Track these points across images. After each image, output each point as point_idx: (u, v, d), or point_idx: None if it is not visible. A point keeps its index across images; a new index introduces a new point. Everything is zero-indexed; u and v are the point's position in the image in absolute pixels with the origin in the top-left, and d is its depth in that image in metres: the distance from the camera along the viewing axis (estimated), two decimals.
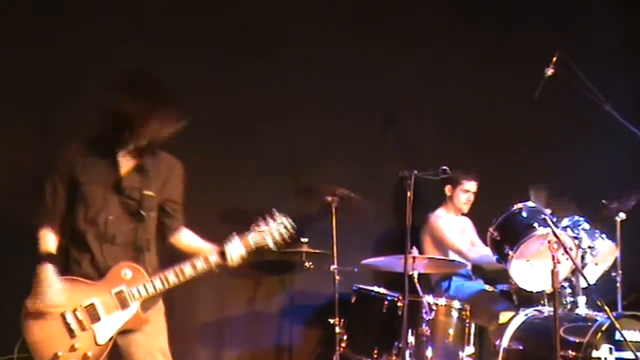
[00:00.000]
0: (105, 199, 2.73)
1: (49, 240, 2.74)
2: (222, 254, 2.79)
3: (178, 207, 2.90)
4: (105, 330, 2.67)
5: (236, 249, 2.79)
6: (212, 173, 4.07)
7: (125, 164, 2.78)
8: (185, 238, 2.93)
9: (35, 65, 3.74)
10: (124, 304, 2.69)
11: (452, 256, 4.31)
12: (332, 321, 3.79)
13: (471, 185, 4.45)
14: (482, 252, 4.14)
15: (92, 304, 2.67)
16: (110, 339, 2.68)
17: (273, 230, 2.86)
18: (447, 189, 4.48)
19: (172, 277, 2.74)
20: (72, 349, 2.64)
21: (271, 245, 2.86)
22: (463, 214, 4.53)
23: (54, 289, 2.63)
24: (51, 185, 2.77)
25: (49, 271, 2.66)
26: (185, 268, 2.75)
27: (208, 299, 4.15)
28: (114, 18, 3.92)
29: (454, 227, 4.45)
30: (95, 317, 2.66)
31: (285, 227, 2.88)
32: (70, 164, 2.75)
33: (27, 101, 3.73)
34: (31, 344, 2.65)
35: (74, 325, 2.65)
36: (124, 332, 2.73)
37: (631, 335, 3.46)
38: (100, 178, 2.74)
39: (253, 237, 2.84)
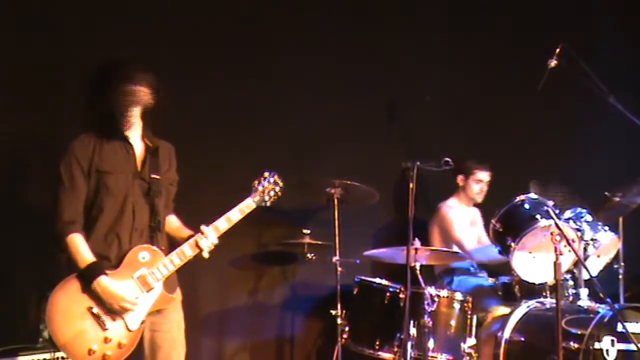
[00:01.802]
0: (129, 185, 2.73)
1: (85, 249, 2.64)
2: (197, 246, 2.77)
3: (174, 190, 2.92)
4: (134, 315, 2.67)
5: (209, 243, 2.77)
6: (213, 165, 4.07)
7: (138, 148, 2.80)
8: (169, 225, 2.93)
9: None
10: (148, 286, 2.69)
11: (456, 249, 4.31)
12: (334, 312, 3.79)
13: (484, 175, 4.43)
14: (487, 253, 4.10)
15: (120, 295, 2.64)
16: (142, 323, 2.69)
17: (269, 189, 2.90)
18: (460, 179, 4.46)
19: (188, 250, 2.75)
20: (106, 340, 2.63)
21: (268, 203, 2.91)
22: (475, 205, 4.51)
23: (131, 293, 2.63)
24: (70, 181, 2.67)
25: (111, 284, 2.61)
26: (199, 241, 2.75)
27: (210, 290, 4.16)
28: (112, 12, 3.91)
29: (464, 220, 4.42)
30: (123, 309, 2.65)
31: (277, 184, 2.94)
32: (88, 156, 2.69)
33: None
34: (63, 345, 2.60)
35: (103, 317, 2.64)
36: (150, 325, 2.74)
37: (633, 327, 3.46)
38: (122, 166, 2.73)
39: (254, 198, 2.87)
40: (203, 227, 2.78)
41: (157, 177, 2.77)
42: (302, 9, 4.44)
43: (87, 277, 2.62)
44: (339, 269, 3.87)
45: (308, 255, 4.05)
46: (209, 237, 2.76)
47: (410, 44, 4.75)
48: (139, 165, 2.77)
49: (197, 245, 2.75)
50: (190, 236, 2.81)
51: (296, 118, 4.38)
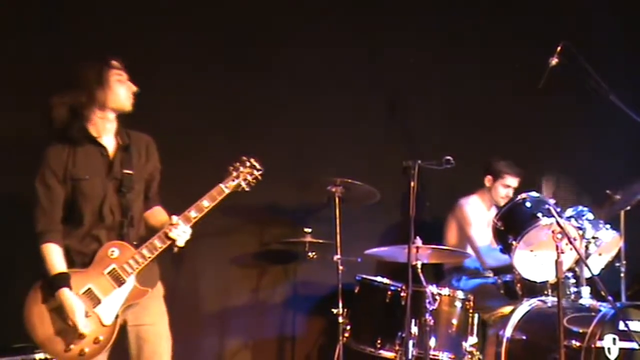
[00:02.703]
0: (105, 187, 2.77)
1: (58, 258, 2.70)
2: (167, 237, 2.76)
3: (154, 185, 2.93)
4: (108, 310, 2.71)
5: (179, 231, 2.75)
6: (212, 162, 4.05)
7: (110, 147, 2.82)
8: (153, 217, 2.93)
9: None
10: (119, 281, 2.72)
11: (469, 249, 4.29)
12: (335, 311, 3.79)
13: (513, 181, 4.35)
14: (495, 256, 4.04)
15: (89, 289, 2.70)
16: (116, 317, 2.72)
17: (245, 174, 2.88)
18: (488, 179, 4.41)
19: (158, 242, 2.75)
20: (81, 337, 2.68)
21: (246, 188, 2.89)
22: (496, 206, 4.42)
23: (82, 313, 2.66)
24: (45, 191, 2.72)
25: (70, 297, 2.66)
26: (169, 232, 2.74)
27: (211, 288, 4.16)
28: (114, 10, 3.91)
29: (482, 220, 4.36)
30: (95, 301, 2.70)
31: (255, 168, 2.91)
32: (63, 165, 2.73)
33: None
34: (40, 344, 2.69)
35: None
36: (133, 320, 2.78)
37: (635, 325, 3.46)
38: (96, 169, 2.77)
39: (227, 184, 2.85)
40: (173, 217, 2.78)
41: (130, 172, 2.79)
42: (303, 7, 4.44)
43: (52, 286, 2.69)
44: (340, 267, 3.86)
45: (309, 254, 4.05)
46: (179, 227, 2.75)
47: (412, 43, 4.74)
48: (110, 164, 2.79)
49: (167, 237, 2.75)
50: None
51: (298, 116, 4.38)
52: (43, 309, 2.69)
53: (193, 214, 2.79)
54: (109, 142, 2.83)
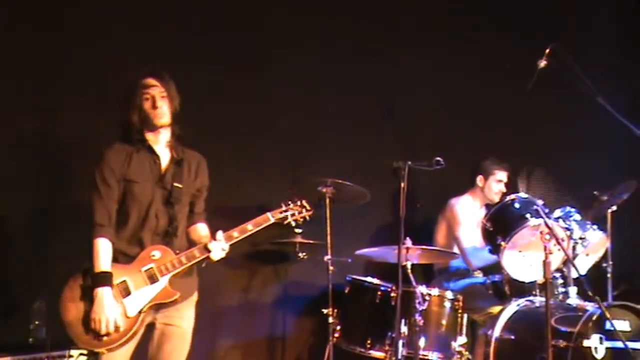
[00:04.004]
0: (153, 193, 2.92)
1: (106, 256, 2.84)
2: (206, 248, 2.91)
3: (200, 201, 3.07)
4: (135, 303, 2.84)
5: (218, 246, 2.91)
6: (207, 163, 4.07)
7: (164, 158, 2.98)
8: (195, 232, 3.06)
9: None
10: (152, 279, 2.86)
11: (455, 249, 4.33)
12: (325, 311, 3.81)
13: (504, 175, 4.41)
14: (482, 256, 4.09)
15: (124, 281, 2.85)
16: (140, 312, 2.84)
17: (294, 210, 3.06)
18: (479, 179, 4.44)
19: (197, 252, 2.90)
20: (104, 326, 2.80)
21: (292, 223, 3.08)
22: (487, 206, 4.48)
23: (113, 313, 2.79)
24: (104, 187, 2.87)
25: (106, 299, 2.79)
26: (209, 244, 2.91)
27: (202, 288, 4.14)
28: (109, 17, 3.92)
29: (472, 220, 4.38)
30: (126, 292, 2.84)
31: (305, 208, 3.09)
32: (120, 165, 2.89)
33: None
34: (67, 322, 2.82)
35: None
36: (157, 319, 2.91)
37: (621, 325, 3.51)
38: (148, 175, 2.93)
39: (274, 214, 3.02)
40: (218, 232, 2.94)
41: (179, 185, 2.95)
42: (299, 9, 4.46)
43: (94, 281, 2.83)
44: (331, 267, 3.88)
45: (300, 254, 4.06)
46: (220, 242, 2.91)
47: (404, 44, 4.77)
48: (162, 175, 2.95)
49: (206, 248, 2.90)
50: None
51: (289, 117, 4.40)
52: (78, 295, 2.82)
53: (235, 234, 2.96)
54: (164, 153, 2.98)
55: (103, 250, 2.83)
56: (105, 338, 2.79)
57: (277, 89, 4.36)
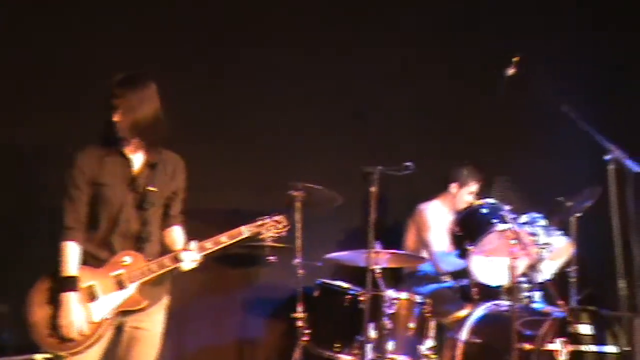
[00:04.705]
0: (124, 197, 2.87)
1: (74, 260, 2.81)
2: (177, 258, 2.88)
3: (176, 204, 3.02)
4: (100, 308, 2.81)
5: (189, 257, 2.88)
6: None
7: (137, 161, 2.92)
8: (169, 237, 3.02)
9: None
10: (121, 285, 2.82)
11: (424, 253, 4.36)
12: (294, 315, 3.82)
13: (476, 188, 4.45)
14: (453, 262, 4.12)
15: (92, 285, 2.82)
16: (106, 317, 2.81)
17: (268, 226, 3.00)
18: (454, 186, 4.47)
19: (167, 261, 2.87)
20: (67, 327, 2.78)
21: (265, 239, 3.04)
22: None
23: (78, 318, 2.76)
24: (75, 190, 2.83)
25: (72, 303, 2.77)
26: (179, 254, 2.87)
27: (170, 291, 4.13)
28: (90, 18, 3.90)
29: (442, 226, 4.40)
30: (92, 297, 2.81)
31: (279, 223, 3.03)
32: (91, 168, 2.84)
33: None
34: (32, 325, 2.80)
35: None
36: (125, 323, 2.87)
37: (584, 328, 3.58)
38: (119, 178, 2.88)
39: (248, 227, 2.97)
40: (191, 243, 2.91)
41: (153, 189, 2.90)
42: (270, 13, 4.47)
43: (61, 285, 2.80)
44: (300, 271, 3.90)
45: (269, 257, 4.06)
46: (191, 253, 2.88)
47: (375, 49, 4.81)
48: (135, 178, 2.90)
49: (177, 257, 2.87)
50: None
51: (260, 120, 4.40)
52: (45, 298, 2.80)
53: (209, 245, 2.92)
54: (138, 157, 2.92)
55: (71, 254, 2.81)
56: (69, 342, 2.77)
57: (247, 93, 4.36)
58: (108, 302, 2.82)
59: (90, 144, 2.90)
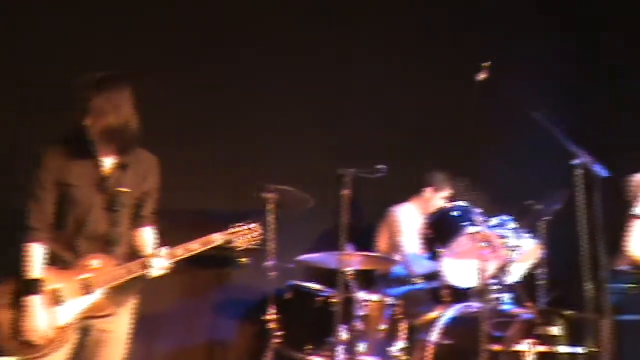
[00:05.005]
0: (92, 198, 2.80)
1: (38, 262, 2.74)
2: (145, 264, 2.83)
3: (148, 204, 2.96)
4: (65, 313, 2.76)
5: (158, 264, 2.84)
6: None
7: (108, 161, 2.84)
8: (140, 238, 2.96)
9: None
10: (87, 290, 2.76)
11: (396, 256, 4.39)
12: (266, 317, 3.81)
13: (449, 193, 4.48)
14: (426, 265, 4.17)
15: (57, 289, 2.75)
16: (71, 322, 2.75)
17: (239, 234, 2.97)
18: (429, 190, 4.50)
19: (135, 267, 2.81)
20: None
21: (238, 246, 2.99)
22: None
23: (42, 322, 2.69)
24: (40, 190, 2.76)
25: (36, 306, 2.71)
26: (147, 260, 2.82)
27: (140, 293, 4.09)
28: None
29: (413, 229, 4.44)
30: (57, 300, 2.75)
31: (252, 231, 2.99)
32: (57, 168, 2.77)
33: None
34: None
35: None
36: (92, 326, 2.82)
37: (552, 330, 3.64)
38: (88, 179, 2.80)
39: (219, 235, 2.94)
40: (162, 249, 2.86)
41: (123, 190, 2.83)
42: (241, 15, 4.45)
43: (24, 288, 2.74)
44: (272, 273, 3.89)
45: (240, 259, 4.04)
46: (160, 260, 2.83)
47: (350, 52, 4.83)
48: (104, 179, 2.83)
49: (146, 264, 2.82)
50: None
51: (233, 122, 4.38)
52: (7, 301, 2.74)
53: (179, 252, 2.88)
54: (107, 154, 2.84)
55: (35, 255, 2.74)
56: (33, 347, 2.71)
57: (220, 94, 4.34)
58: (73, 307, 2.76)
59: (59, 143, 2.83)
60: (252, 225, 3.00)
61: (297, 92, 4.63)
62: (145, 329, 4.08)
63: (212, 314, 4.37)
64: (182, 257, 2.89)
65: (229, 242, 2.97)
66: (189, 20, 4.27)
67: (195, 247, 2.90)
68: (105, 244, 2.82)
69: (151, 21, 4.15)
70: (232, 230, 2.97)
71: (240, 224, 2.99)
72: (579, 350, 3.64)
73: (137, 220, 2.95)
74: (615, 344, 3.60)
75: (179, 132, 4.19)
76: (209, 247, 2.93)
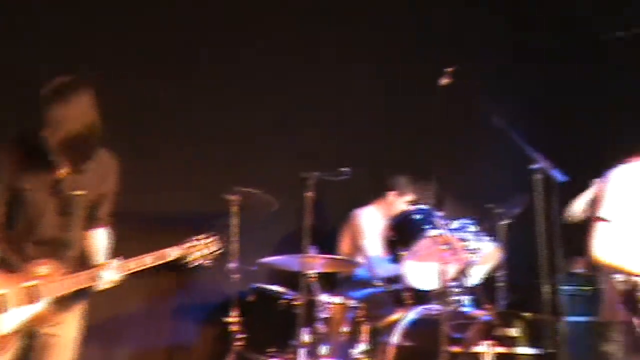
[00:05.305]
0: (46, 202, 2.71)
1: None
2: (94, 277, 2.75)
3: (104, 206, 2.89)
4: (9, 321, 2.65)
5: (108, 277, 2.76)
6: None
7: (63, 165, 2.73)
8: (92, 242, 2.89)
9: None
10: (32, 299, 2.66)
11: (359, 258, 4.41)
12: (228, 320, 3.79)
13: (412, 197, 4.51)
14: (389, 267, 4.19)
15: (1, 295, 2.64)
16: (14, 331, 2.65)
17: (195, 249, 2.89)
18: (393, 194, 4.52)
19: (84, 279, 2.73)
20: None
21: (192, 262, 2.91)
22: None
23: None
24: None
25: None
26: (97, 273, 2.74)
27: (100, 295, 4.02)
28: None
29: (376, 231, 4.45)
30: (1, 308, 2.64)
31: (208, 246, 2.93)
32: (11, 170, 2.67)
33: None
34: None
35: None
36: (40, 330, 2.74)
37: (510, 331, 3.71)
38: (41, 182, 2.71)
39: (173, 250, 2.86)
40: (113, 261, 2.79)
41: (79, 193, 2.75)
42: (204, 17, 4.43)
43: None
44: (235, 275, 3.88)
45: (204, 262, 4.01)
46: (109, 273, 2.76)
47: (311, 54, 4.84)
48: (59, 182, 2.74)
49: (94, 276, 2.74)
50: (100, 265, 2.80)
51: (197, 124, 4.36)
52: None
53: (132, 265, 2.79)
54: (64, 160, 2.73)
55: None
56: None
57: (184, 96, 4.31)
58: (17, 315, 2.65)
59: (14, 144, 2.74)
60: (211, 239, 2.93)
61: (261, 95, 4.62)
62: (104, 333, 4.06)
63: (173, 317, 4.33)
64: (134, 271, 2.81)
65: (185, 256, 2.89)
66: (154, 23, 4.23)
67: (149, 261, 2.81)
68: (55, 248, 2.73)
69: (118, 20, 4.10)
70: (189, 244, 2.89)
71: (198, 237, 2.92)
72: (536, 351, 3.72)
73: (91, 222, 2.87)
74: (570, 344, 3.69)
75: (144, 133, 4.14)
76: (162, 262, 2.84)
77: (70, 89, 2.68)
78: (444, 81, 3.78)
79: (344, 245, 4.56)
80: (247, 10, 4.64)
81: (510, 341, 3.63)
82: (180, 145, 4.28)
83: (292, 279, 3.99)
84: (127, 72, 4.10)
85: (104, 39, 4.02)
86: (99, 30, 4.03)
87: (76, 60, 3.94)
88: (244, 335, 3.79)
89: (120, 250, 3.83)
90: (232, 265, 3.88)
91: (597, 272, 3.15)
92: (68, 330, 2.84)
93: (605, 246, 2.87)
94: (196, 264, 2.92)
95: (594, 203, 3.03)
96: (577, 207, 3.26)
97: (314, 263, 3.76)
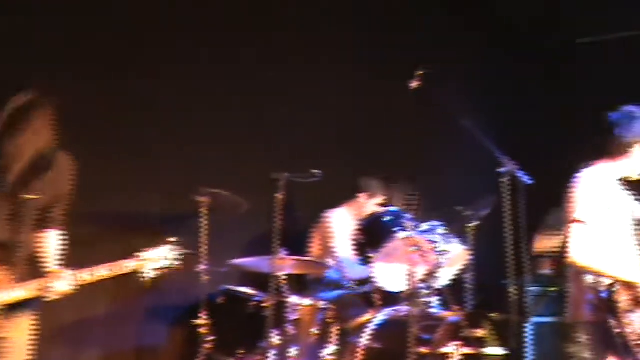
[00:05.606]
0: None
1: None
2: (44, 288, 2.68)
3: (58, 207, 2.80)
4: None
5: (59, 288, 2.69)
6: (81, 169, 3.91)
7: (16, 167, 2.65)
8: (43, 244, 2.81)
9: None
10: None
11: (329, 260, 4.42)
12: (197, 322, 3.77)
13: (383, 199, 4.52)
14: (359, 269, 4.21)
15: None
16: None
17: (150, 261, 2.82)
18: (363, 196, 4.53)
19: (34, 289, 2.65)
20: None
21: (149, 274, 2.83)
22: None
23: None
24: None
25: None
26: (48, 283, 2.66)
27: (66, 297, 3.96)
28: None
29: (346, 233, 4.45)
30: None
31: (169, 258, 2.85)
32: None
33: None
34: None
35: None
36: None
37: (478, 332, 3.76)
38: None
39: (129, 263, 2.79)
40: (64, 272, 2.70)
41: (32, 197, 2.66)
42: (175, 19, 4.40)
43: None
44: (205, 277, 3.85)
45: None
46: (62, 282, 2.68)
47: (283, 56, 4.84)
48: (9, 185, 2.65)
49: (44, 288, 2.66)
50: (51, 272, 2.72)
51: (167, 124, 4.32)
52: None
53: (85, 276, 2.71)
54: (15, 162, 2.66)
55: None
56: None
57: (154, 97, 4.27)
58: None
59: None
60: (167, 250, 2.85)
61: (231, 95, 4.60)
62: (71, 335, 4.00)
63: (141, 318, 4.28)
64: (87, 282, 2.74)
65: (140, 269, 2.82)
66: (127, 22, 4.18)
67: (104, 273, 2.75)
68: (5, 252, 2.64)
69: (89, 20, 4.05)
70: (145, 257, 2.81)
71: (155, 249, 2.84)
72: (503, 351, 3.77)
73: (42, 223, 2.78)
74: (536, 344, 3.76)
75: (114, 133, 4.09)
76: (117, 274, 2.78)
77: (21, 115, 2.63)
78: (414, 84, 3.81)
79: (314, 247, 4.56)
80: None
81: (477, 342, 3.68)
82: (148, 145, 4.24)
83: (261, 281, 3.99)
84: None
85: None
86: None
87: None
88: (213, 337, 3.77)
89: (85, 252, 3.80)
90: (201, 266, 3.85)
91: (564, 272, 3.18)
92: (21, 333, 2.74)
93: (582, 248, 2.87)
94: (152, 276, 2.83)
95: (565, 206, 3.05)
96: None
97: (284, 265, 3.76)
